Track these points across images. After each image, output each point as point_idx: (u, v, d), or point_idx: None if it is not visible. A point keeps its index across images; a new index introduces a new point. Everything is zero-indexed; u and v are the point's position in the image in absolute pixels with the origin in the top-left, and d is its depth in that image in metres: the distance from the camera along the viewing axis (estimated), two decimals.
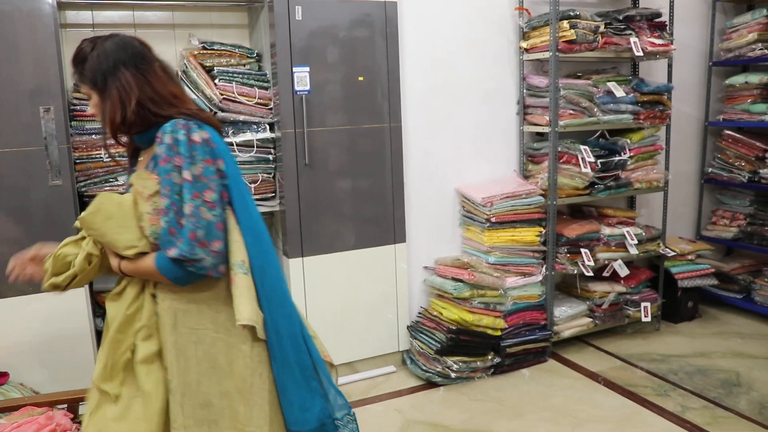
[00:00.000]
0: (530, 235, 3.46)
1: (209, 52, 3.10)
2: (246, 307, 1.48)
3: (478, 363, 3.27)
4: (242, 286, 1.50)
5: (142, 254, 1.51)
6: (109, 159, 2.85)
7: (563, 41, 3.35)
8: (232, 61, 3.12)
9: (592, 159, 3.43)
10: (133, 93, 1.52)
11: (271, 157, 3.17)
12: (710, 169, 4.34)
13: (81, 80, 1.57)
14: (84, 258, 1.59)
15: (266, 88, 3.14)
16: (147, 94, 1.54)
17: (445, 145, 3.54)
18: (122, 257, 1.52)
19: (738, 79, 4.10)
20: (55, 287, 1.62)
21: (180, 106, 1.57)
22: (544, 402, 3.04)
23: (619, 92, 3.52)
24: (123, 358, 1.54)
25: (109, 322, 1.58)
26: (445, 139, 3.54)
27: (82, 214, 1.54)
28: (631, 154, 3.64)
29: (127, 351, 1.54)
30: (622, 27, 3.52)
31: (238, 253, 1.51)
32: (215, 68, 3.06)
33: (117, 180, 2.91)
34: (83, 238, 1.64)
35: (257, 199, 3.18)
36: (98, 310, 3.08)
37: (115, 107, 1.52)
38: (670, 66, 3.81)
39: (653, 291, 3.88)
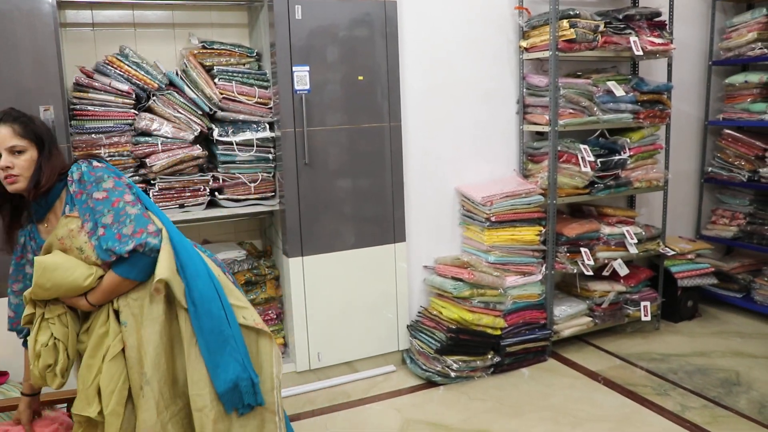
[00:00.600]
0: (530, 234, 3.46)
1: (209, 51, 3.10)
2: (163, 267, 1.70)
3: (478, 362, 3.27)
4: (165, 249, 1.73)
5: (99, 279, 1.73)
6: (108, 158, 2.85)
7: (563, 40, 3.35)
8: (232, 60, 3.12)
9: (592, 158, 3.43)
10: (60, 165, 1.81)
11: (270, 156, 3.17)
12: (710, 169, 4.34)
13: (24, 134, 1.74)
14: (60, 324, 1.75)
15: (266, 88, 3.14)
16: (60, 166, 1.82)
17: (444, 144, 3.54)
18: (85, 294, 1.74)
19: (738, 79, 4.10)
20: (63, 374, 1.77)
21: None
22: (543, 401, 3.04)
23: (619, 91, 3.52)
24: (95, 382, 1.72)
25: (81, 354, 1.78)
26: (444, 138, 3.54)
27: (31, 287, 1.72)
28: (631, 153, 3.64)
29: (97, 374, 1.72)
30: (622, 26, 3.52)
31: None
32: (215, 67, 3.06)
33: None
34: (31, 321, 1.80)
35: (257, 199, 3.18)
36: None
37: (54, 169, 1.78)
38: (669, 65, 3.81)
39: (653, 290, 3.88)
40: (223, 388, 1.72)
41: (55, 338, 1.74)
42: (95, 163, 1.78)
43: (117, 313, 1.75)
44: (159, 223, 1.76)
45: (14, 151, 1.72)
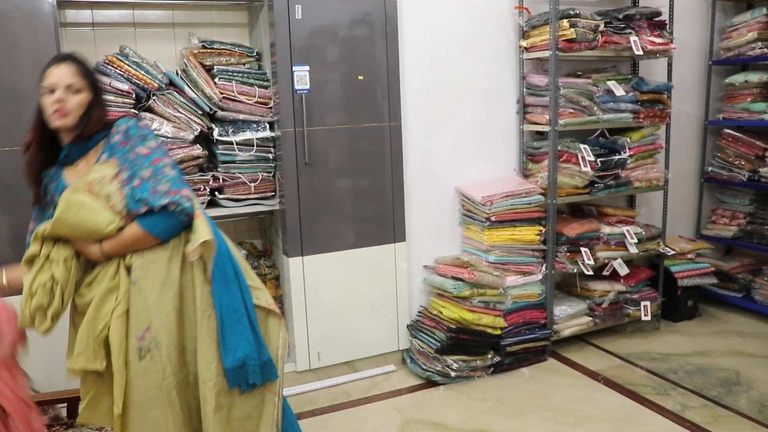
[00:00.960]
0: (530, 234, 3.46)
1: (209, 51, 3.10)
2: (205, 230, 1.72)
3: (478, 362, 3.27)
4: (201, 217, 1.77)
5: (120, 230, 1.73)
6: None
7: (563, 40, 3.35)
8: (232, 60, 3.12)
9: (592, 158, 3.43)
10: (105, 116, 1.86)
11: (271, 156, 3.17)
12: (710, 168, 4.34)
13: (84, 75, 1.79)
14: (63, 268, 1.74)
15: (266, 87, 3.14)
16: (105, 117, 1.87)
17: (444, 144, 3.54)
18: (101, 242, 1.73)
19: (738, 78, 4.10)
20: (54, 319, 1.76)
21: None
22: (543, 401, 3.04)
23: (619, 91, 3.52)
24: (102, 335, 1.73)
25: (80, 309, 1.78)
26: (444, 138, 3.54)
27: (55, 217, 1.72)
28: (631, 153, 3.64)
29: (105, 329, 1.73)
30: (622, 26, 3.52)
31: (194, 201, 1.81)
32: (215, 67, 3.06)
33: None
34: (33, 261, 1.78)
35: (257, 198, 3.18)
36: None
37: (101, 118, 1.83)
38: (669, 65, 3.81)
39: (653, 290, 3.88)
40: (230, 365, 1.74)
41: (54, 280, 1.74)
42: (141, 123, 1.84)
43: (128, 269, 1.75)
44: (191, 194, 1.80)
45: (71, 89, 1.76)
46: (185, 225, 1.76)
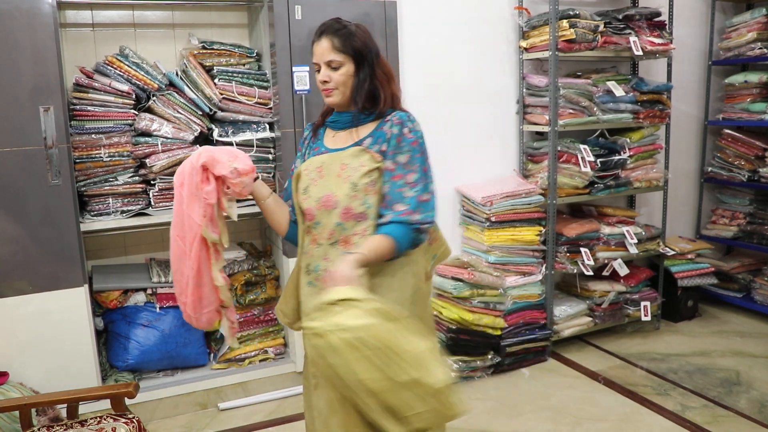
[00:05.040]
0: (530, 234, 3.46)
1: (209, 51, 3.10)
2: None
3: (478, 362, 3.27)
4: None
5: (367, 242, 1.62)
6: (108, 159, 2.86)
7: (563, 40, 3.35)
8: (232, 60, 3.13)
9: (592, 158, 3.43)
10: (392, 79, 1.76)
11: (270, 156, 3.17)
12: (710, 168, 4.34)
13: (342, 48, 1.68)
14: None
15: (266, 88, 3.14)
16: (395, 83, 1.77)
17: (444, 144, 3.54)
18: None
19: (737, 78, 4.10)
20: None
21: (400, 104, 1.79)
22: (543, 401, 3.04)
23: (619, 91, 3.52)
24: None
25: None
26: (444, 138, 3.53)
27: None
28: (631, 153, 3.64)
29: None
30: (622, 26, 3.52)
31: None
32: (215, 68, 3.06)
33: (116, 179, 2.91)
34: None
35: None
36: (98, 309, 3.09)
37: (384, 81, 1.73)
38: (669, 65, 3.81)
39: (653, 290, 3.88)
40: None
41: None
42: (416, 123, 1.73)
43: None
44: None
45: (332, 66, 1.69)
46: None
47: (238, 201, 3.13)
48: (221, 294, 1.77)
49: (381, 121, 1.71)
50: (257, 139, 3.11)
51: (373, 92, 1.71)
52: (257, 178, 1.80)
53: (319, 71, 1.72)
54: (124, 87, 2.88)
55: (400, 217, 1.63)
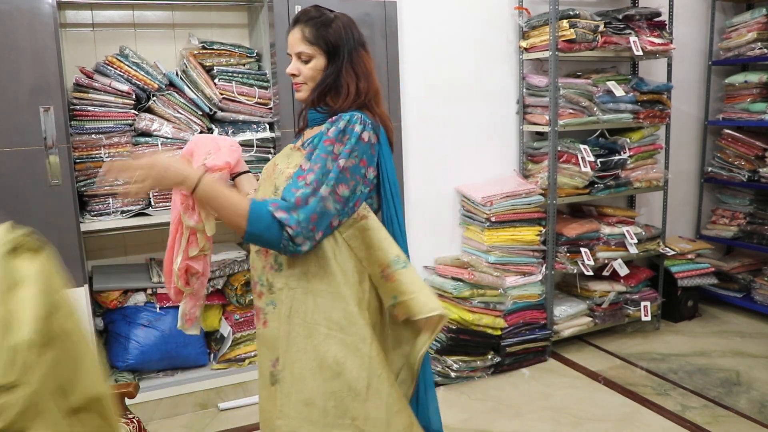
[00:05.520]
0: (530, 234, 3.46)
1: (209, 51, 3.10)
2: (430, 297, 1.47)
3: (478, 362, 3.27)
4: (408, 280, 1.49)
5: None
6: (108, 159, 2.86)
7: (563, 40, 3.35)
8: (232, 60, 3.13)
9: (592, 158, 3.43)
10: (368, 74, 1.56)
11: (270, 156, 3.17)
12: (710, 168, 4.34)
13: (313, 40, 1.52)
14: None
15: (266, 88, 3.14)
16: (370, 80, 1.57)
17: (445, 144, 3.54)
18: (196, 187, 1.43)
19: (737, 78, 4.10)
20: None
21: (377, 103, 1.59)
22: (544, 401, 3.04)
23: (619, 91, 3.52)
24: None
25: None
26: (444, 138, 3.54)
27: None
28: (631, 153, 3.64)
29: None
30: (622, 26, 3.52)
31: (391, 249, 1.51)
32: (215, 68, 3.06)
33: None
34: None
35: None
36: (98, 310, 3.09)
37: (350, 78, 1.53)
38: (669, 65, 3.81)
39: (653, 290, 3.88)
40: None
41: None
42: (365, 135, 1.49)
43: (271, 287, 1.61)
44: (387, 236, 1.54)
45: (302, 59, 1.54)
46: (325, 271, 1.48)
47: None
48: (174, 279, 1.71)
49: (334, 117, 1.51)
50: (257, 139, 3.11)
51: (338, 89, 1.54)
52: (242, 173, 1.73)
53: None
54: (124, 87, 2.88)
55: (269, 203, 1.42)
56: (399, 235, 1.58)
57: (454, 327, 3.19)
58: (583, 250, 3.52)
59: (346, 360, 1.47)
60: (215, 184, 1.44)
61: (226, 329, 3.26)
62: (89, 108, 2.84)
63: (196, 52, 3.08)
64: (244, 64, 3.15)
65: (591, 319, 3.66)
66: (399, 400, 1.53)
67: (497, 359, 3.30)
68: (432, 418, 1.68)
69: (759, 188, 4.12)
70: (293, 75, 1.56)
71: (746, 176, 4.08)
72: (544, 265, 3.52)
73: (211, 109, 3.05)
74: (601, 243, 3.61)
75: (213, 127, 3.07)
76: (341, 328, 1.48)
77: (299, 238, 1.40)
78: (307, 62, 1.54)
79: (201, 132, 3.05)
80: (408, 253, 1.59)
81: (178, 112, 3.00)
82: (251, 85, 3.10)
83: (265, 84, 3.13)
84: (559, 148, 3.47)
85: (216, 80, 3.04)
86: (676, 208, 4.32)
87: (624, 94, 3.54)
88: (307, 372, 1.48)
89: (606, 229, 3.63)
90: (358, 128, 1.48)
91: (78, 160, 2.82)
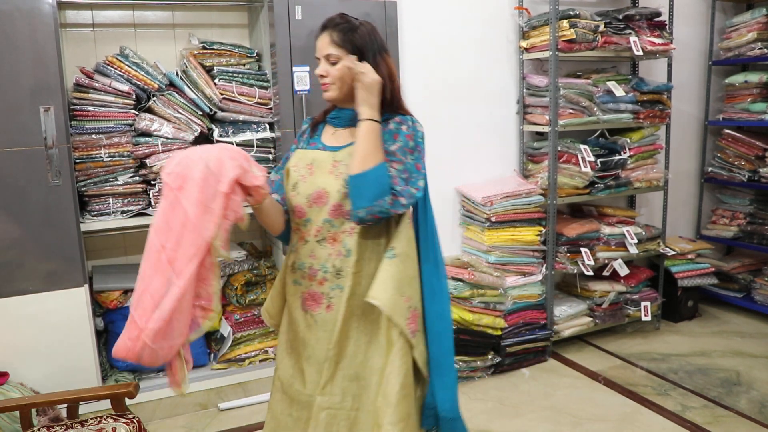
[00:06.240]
0: (530, 234, 3.46)
1: (209, 51, 3.10)
2: (379, 288, 1.58)
3: (478, 362, 3.27)
4: (383, 268, 1.60)
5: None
6: (109, 159, 2.86)
7: (563, 40, 3.35)
8: (232, 60, 3.13)
9: (592, 158, 3.44)
10: (393, 77, 1.69)
11: (271, 156, 3.17)
12: (710, 168, 4.34)
13: (340, 43, 1.64)
14: None
15: (266, 88, 3.14)
16: (394, 82, 1.70)
17: (444, 144, 3.54)
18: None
19: (737, 78, 4.10)
20: None
21: (403, 105, 1.74)
22: (544, 401, 3.04)
23: (619, 91, 3.52)
24: None
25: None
26: (444, 138, 3.54)
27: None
28: (631, 153, 3.64)
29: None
30: (622, 26, 3.52)
31: (395, 239, 1.64)
32: (215, 68, 3.06)
33: (117, 180, 2.91)
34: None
35: None
36: (98, 309, 3.09)
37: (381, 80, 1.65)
38: (669, 65, 3.81)
39: (653, 290, 3.88)
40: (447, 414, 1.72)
41: None
42: (420, 128, 1.69)
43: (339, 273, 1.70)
44: (403, 230, 1.67)
45: (330, 61, 1.65)
46: (378, 218, 1.58)
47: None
48: (215, 302, 1.49)
49: (383, 124, 1.66)
50: (257, 140, 3.11)
51: (383, 92, 1.66)
52: None
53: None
54: (125, 87, 2.88)
55: (386, 171, 1.58)
56: (430, 226, 1.72)
57: (454, 327, 3.18)
58: (583, 250, 3.52)
59: (396, 339, 1.62)
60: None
61: (226, 329, 3.26)
62: (89, 108, 2.84)
63: (196, 52, 3.08)
64: (244, 64, 3.16)
65: (591, 319, 3.67)
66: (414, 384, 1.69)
67: (497, 359, 3.30)
68: (437, 394, 1.71)
69: (759, 188, 4.12)
70: (322, 76, 1.67)
71: (746, 176, 4.08)
72: (544, 265, 3.52)
73: (211, 109, 3.05)
74: (602, 243, 3.61)
75: (213, 127, 3.07)
76: None
77: (400, 207, 1.57)
78: (334, 64, 1.64)
79: (201, 132, 3.05)
80: (436, 245, 1.71)
81: (178, 112, 3.00)
82: (251, 85, 3.10)
83: (265, 84, 3.14)
84: (559, 148, 3.47)
85: (216, 80, 3.04)
86: (677, 208, 4.32)
87: (624, 94, 3.54)
88: (359, 349, 1.65)
89: (606, 229, 3.63)
90: (420, 127, 1.68)
91: (78, 160, 2.83)
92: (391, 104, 1.68)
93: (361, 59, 1.64)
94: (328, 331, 1.65)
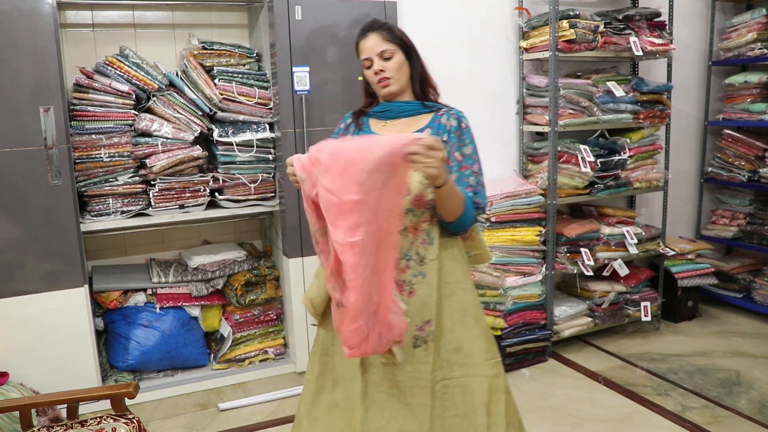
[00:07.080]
0: (530, 234, 3.46)
1: (209, 51, 3.10)
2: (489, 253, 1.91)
3: None
4: (481, 238, 1.88)
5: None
6: (108, 159, 2.85)
7: (563, 41, 3.35)
8: (232, 60, 3.13)
9: (592, 158, 3.43)
10: (428, 70, 1.85)
11: (270, 156, 3.17)
12: (710, 169, 4.34)
13: (391, 39, 1.78)
14: None
15: (266, 88, 3.14)
16: (428, 74, 1.86)
17: None
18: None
19: (737, 79, 4.10)
20: None
21: (438, 93, 1.91)
22: (544, 401, 3.04)
23: (619, 92, 3.52)
24: None
25: None
26: None
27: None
28: (631, 153, 3.64)
29: None
30: (622, 26, 3.52)
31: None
32: (215, 68, 3.06)
33: (116, 180, 2.91)
34: None
35: (257, 199, 3.18)
36: (98, 310, 3.09)
37: (424, 70, 1.84)
38: (669, 65, 3.81)
39: (653, 290, 3.88)
40: None
41: None
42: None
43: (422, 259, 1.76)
44: None
45: (384, 57, 1.76)
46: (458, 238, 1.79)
47: (238, 202, 3.15)
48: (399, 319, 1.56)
49: (435, 114, 1.80)
50: (257, 140, 3.11)
51: (423, 82, 1.82)
52: None
53: (369, 67, 1.78)
54: (125, 87, 2.88)
55: (467, 191, 1.72)
56: None
57: None
58: (583, 250, 3.52)
59: (478, 307, 1.79)
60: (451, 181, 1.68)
61: (226, 329, 3.27)
62: (89, 108, 2.84)
63: (196, 52, 3.08)
64: (244, 65, 3.16)
65: (591, 319, 3.67)
66: None
67: None
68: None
69: (759, 188, 4.12)
70: (380, 71, 1.76)
71: (746, 176, 4.08)
72: (544, 266, 3.52)
73: (211, 110, 3.05)
74: (601, 243, 3.61)
75: (213, 127, 3.07)
76: (467, 281, 1.78)
77: (482, 211, 1.77)
78: (389, 59, 1.77)
79: (201, 132, 3.05)
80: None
81: (178, 112, 3.00)
82: (251, 86, 3.10)
83: (265, 84, 3.14)
84: (559, 149, 3.47)
85: (216, 80, 3.04)
86: (676, 208, 4.32)
87: (624, 94, 3.54)
88: (455, 324, 1.74)
89: (606, 230, 3.63)
90: (468, 123, 1.82)
91: (78, 161, 2.83)
92: (426, 96, 1.83)
93: (407, 53, 1.79)
94: (411, 315, 1.68)
